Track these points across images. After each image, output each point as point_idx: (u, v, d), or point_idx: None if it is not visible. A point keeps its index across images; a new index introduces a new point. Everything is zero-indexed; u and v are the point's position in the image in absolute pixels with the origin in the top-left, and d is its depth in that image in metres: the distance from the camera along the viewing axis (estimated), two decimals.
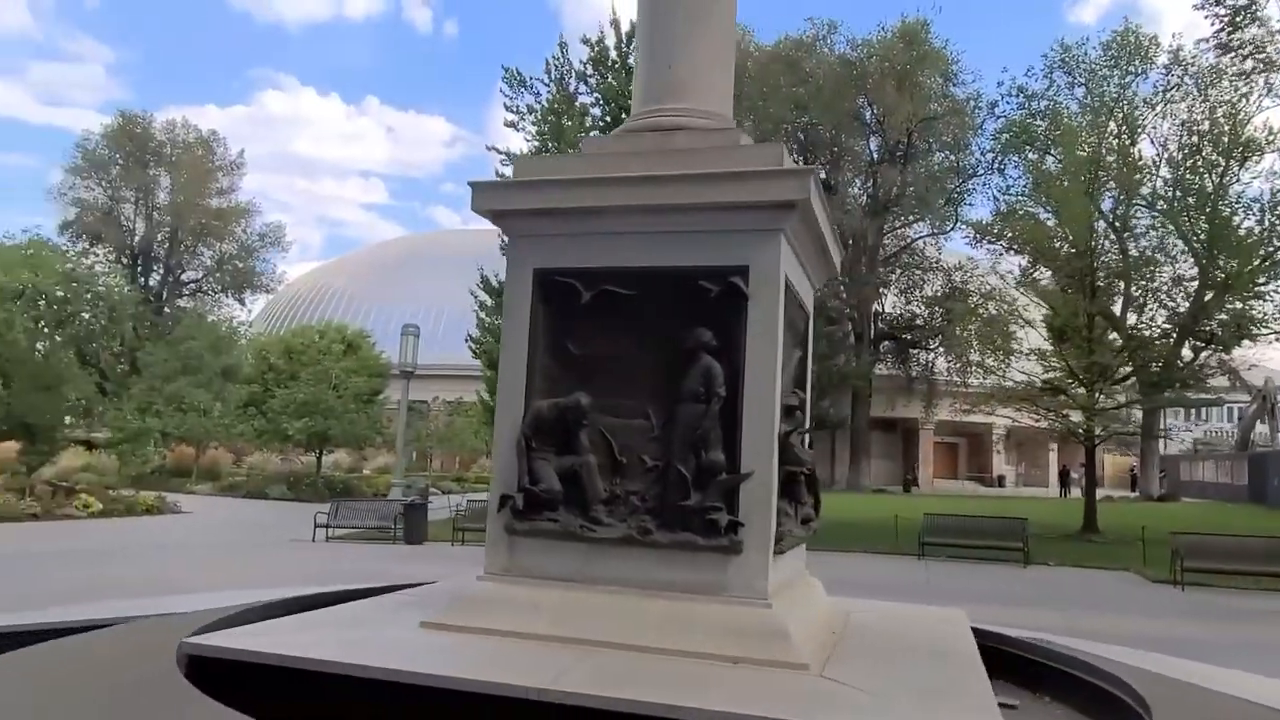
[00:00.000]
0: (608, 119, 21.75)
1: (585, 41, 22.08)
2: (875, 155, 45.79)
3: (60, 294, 45.83)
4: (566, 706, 3.40)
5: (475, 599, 4.51)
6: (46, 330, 45.67)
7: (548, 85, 22.13)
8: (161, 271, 60.11)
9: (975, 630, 5.68)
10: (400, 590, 5.76)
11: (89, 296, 48.17)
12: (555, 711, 3.40)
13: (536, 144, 21.62)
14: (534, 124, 21.94)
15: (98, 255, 56.37)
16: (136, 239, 58.39)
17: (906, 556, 17.96)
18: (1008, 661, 5.09)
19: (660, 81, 5.11)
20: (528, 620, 4.31)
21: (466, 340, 25.79)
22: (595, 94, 22.33)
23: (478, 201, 4.79)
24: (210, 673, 3.87)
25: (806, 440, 5.32)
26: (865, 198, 45.03)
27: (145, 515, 22.09)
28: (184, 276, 61.13)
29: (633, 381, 4.50)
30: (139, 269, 58.41)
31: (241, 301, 62.38)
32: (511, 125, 22.17)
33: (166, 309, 57.34)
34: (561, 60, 21.89)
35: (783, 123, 41.19)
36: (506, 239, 4.81)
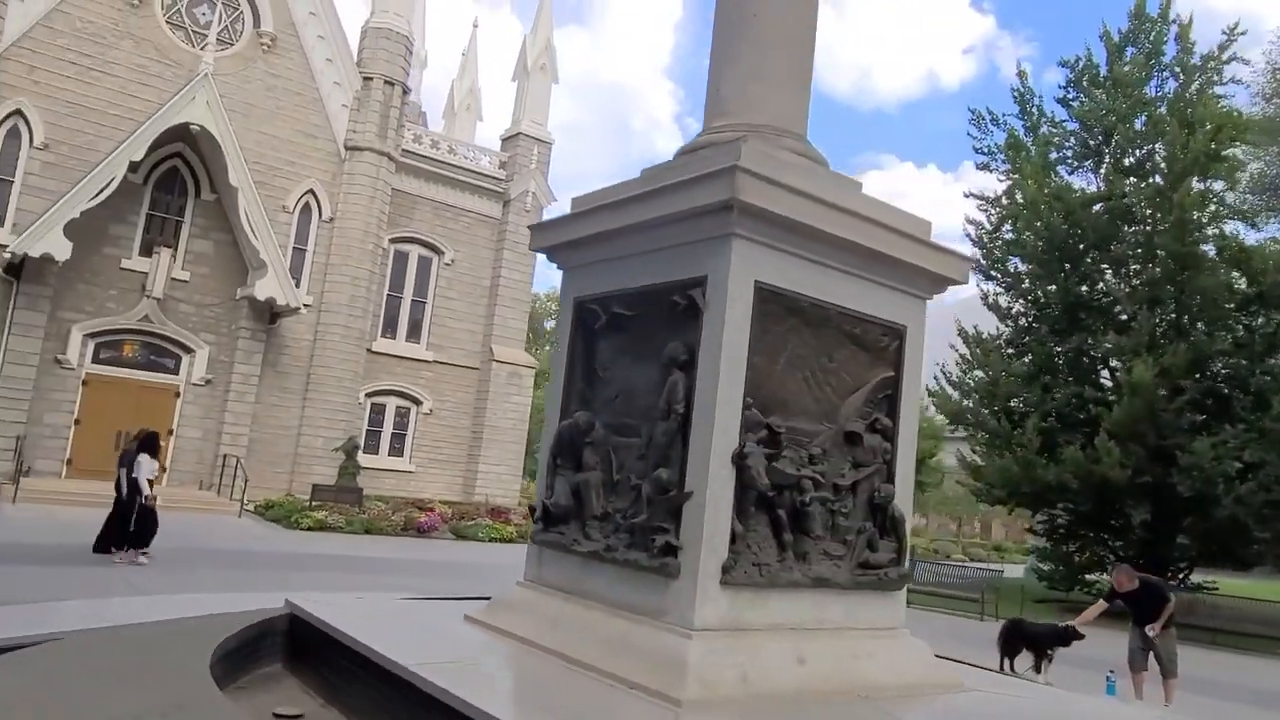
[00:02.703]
0: (1091, 142, 19.11)
1: (1063, 63, 19.74)
2: None
3: None
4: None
5: (504, 602, 4.93)
6: None
7: (1021, 119, 20.25)
8: None
9: None
10: None
11: None
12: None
13: (1008, 182, 20.00)
14: (1005, 161, 20.26)
15: None
16: None
17: None
18: None
19: (712, 100, 5.04)
20: (529, 626, 4.59)
21: (929, 395, 24.13)
22: (1075, 118, 19.72)
23: (533, 242, 5.27)
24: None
25: (889, 474, 4.63)
26: None
27: None
28: None
29: (633, 401, 4.53)
30: None
31: None
32: (984, 167, 20.80)
33: None
34: (1023, 89, 19.83)
35: None
36: (561, 273, 5.20)
